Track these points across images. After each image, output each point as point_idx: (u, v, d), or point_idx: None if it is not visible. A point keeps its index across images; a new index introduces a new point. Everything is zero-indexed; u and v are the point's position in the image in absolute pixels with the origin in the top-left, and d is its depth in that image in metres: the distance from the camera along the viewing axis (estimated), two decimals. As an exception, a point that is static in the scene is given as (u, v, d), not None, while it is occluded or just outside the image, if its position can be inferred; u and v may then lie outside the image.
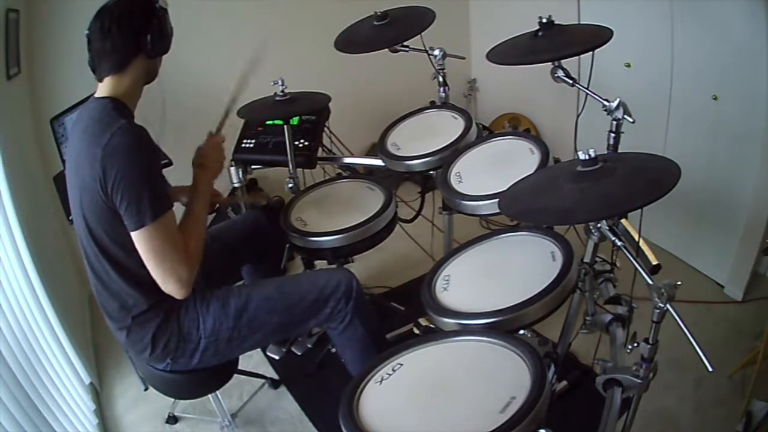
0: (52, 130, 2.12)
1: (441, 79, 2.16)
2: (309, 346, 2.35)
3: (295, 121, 2.33)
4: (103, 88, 1.39)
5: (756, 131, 2.13)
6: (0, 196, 1.83)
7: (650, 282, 1.21)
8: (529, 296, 1.29)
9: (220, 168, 1.64)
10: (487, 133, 2.05)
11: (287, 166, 2.21)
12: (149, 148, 1.34)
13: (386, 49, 2.09)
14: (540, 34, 1.64)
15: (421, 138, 2.04)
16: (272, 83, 2.07)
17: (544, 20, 1.62)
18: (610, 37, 1.53)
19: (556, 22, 1.64)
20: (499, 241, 1.60)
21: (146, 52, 1.37)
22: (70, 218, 1.50)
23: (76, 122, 1.45)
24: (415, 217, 2.33)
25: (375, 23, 2.07)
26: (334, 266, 1.96)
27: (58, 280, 2.25)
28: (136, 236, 1.32)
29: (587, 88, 1.59)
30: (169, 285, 1.37)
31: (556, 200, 1.24)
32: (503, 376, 1.14)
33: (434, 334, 1.33)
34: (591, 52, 1.55)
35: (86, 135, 1.33)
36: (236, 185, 2.29)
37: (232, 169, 2.25)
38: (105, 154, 1.27)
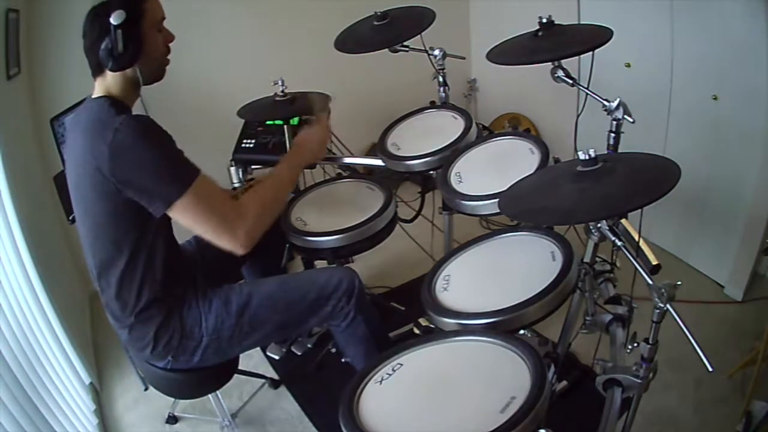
0: (52, 130, 2.12)
1: (441, 79, 2.16)
2: (309, 346, 2.35)
3: (295, 121, 2.33)
4: (97, 89, 1.39)
5: (756, 131, 2.13)
6: (0, 196, 1.84)
7: (650, 282, 1.20)
8: (529, 296, 1.29)
9: (321, 153, 1.71)
10: (487, 133, 2.05)
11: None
12: (154, 131, 1.32)
13: (386, 49, 2.09)
14: (540, 34, 1.63)
15: (420, 138, 2.03)
16: (272, 83, 2.07)
17: (544, 20, 1.62)
18: (610, 37, 1.52)
19: (556, 22, 1.64)
20: (499, 241, 1.60)
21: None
22: (70, 218, 1.50)
23: (75, 123, 1.45)
24: (415, 217, 2.33)
25: (375, 23, 2.07)
26: (334, 266, 1.96)
27: (58, 280, 2.25)
28: (172, 214, 1.32)
29: (587, 88, 1.59)
30: (223, 240, 1.36)
31: (556, 200, 1.24)
32: (503, 376, 1.14)
33: (434, 334, 1.33)
34: (591, 52, 1.55)
35: (88, 134, 1.32)
36: (236, 185, 2.29)
37: (232, 169, 2.25)
38: (113, 152, 1.26)
